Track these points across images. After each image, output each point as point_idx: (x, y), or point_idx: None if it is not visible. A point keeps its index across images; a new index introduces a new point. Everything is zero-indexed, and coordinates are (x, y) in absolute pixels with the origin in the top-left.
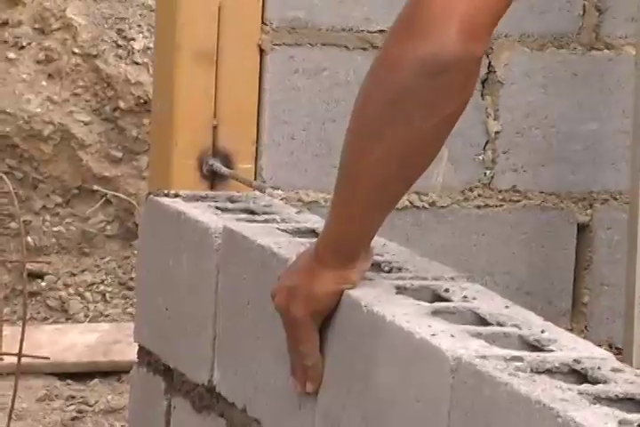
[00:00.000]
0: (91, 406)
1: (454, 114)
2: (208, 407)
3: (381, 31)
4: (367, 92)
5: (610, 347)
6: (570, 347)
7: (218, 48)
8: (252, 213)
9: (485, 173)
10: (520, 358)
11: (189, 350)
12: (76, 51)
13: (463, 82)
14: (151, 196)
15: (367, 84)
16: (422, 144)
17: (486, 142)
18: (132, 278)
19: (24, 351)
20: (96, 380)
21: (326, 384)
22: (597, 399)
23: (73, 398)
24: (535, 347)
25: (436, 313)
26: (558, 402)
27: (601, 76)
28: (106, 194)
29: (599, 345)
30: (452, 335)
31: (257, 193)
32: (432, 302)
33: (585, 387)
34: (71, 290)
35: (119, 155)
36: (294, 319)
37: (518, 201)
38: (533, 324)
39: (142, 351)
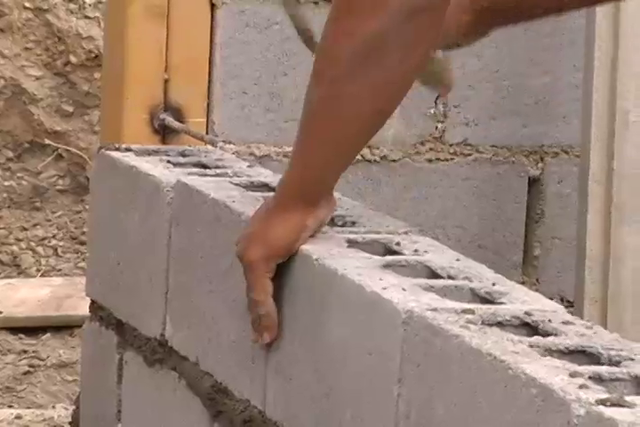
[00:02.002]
0: (43, 360)
1: (426, 56)
2: (160, 361)
3: None
4: (335, 38)
5: (561, 300)
6: (521, 300)
7: (169, 2)
8: (204, 167)
9: (437, 127)
10: (471, 311)
11: (141, 305)
12: (27, 5)
13: (437, 22)
14: (102, 150)
15: (334, 30)
16: (393, 87)
17: (437, 96)
18: (83, 233)
19: None
20: (48, 334)
21: (279, 338)
22: (548, 352)
23: (25, 352)
24: (486, 300)
25: (387, 267)
26: (509, 354)
27: (553, 30)
28: (57, 148)
29: (550, 298)
30: (404, 289)
31: (209, 147)
32: (384, 255)
33: (536, 339)
34: (23, 244)
35: (70, 109)
36: (248, 265)
37: (469, 155)
38: (485, 277)
39: (94, 306)
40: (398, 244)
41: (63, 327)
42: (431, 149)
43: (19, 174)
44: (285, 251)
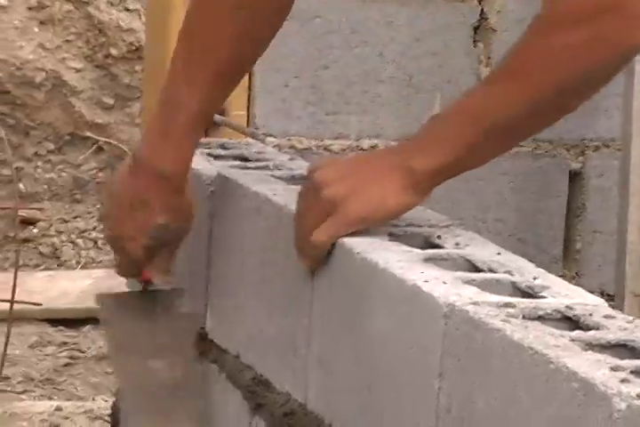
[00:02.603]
0: (83, 352)
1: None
2: (201, 354)
3: None
4: (568, 58)
5: (601, 294)
6: (562, 294)
7: None
8: (245, 160)
9: None
10: (512, 305)
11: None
12: None
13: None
14: None
15: (566, 49)
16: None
17: None
18: None
19: (16, 298)
20: (88, 326)
21: (320, 330)
22: (590, 346)
23: (65, 344)
24: (528, 294)
25: (428, 260)
26: (551, 348)
27: None
28: (98, 141)
29: (591, 292)
30: (445, 282)
31: (250, 140)
32: (425, 249)
33: (577, 334)
34: (63, 237)
35: (111, 102)
36: (335, 206)
37: None
38: (526, 270)
39: None
40: (439, 237)
41: None
42: None
43: (59, 167)
44: (389, 221)
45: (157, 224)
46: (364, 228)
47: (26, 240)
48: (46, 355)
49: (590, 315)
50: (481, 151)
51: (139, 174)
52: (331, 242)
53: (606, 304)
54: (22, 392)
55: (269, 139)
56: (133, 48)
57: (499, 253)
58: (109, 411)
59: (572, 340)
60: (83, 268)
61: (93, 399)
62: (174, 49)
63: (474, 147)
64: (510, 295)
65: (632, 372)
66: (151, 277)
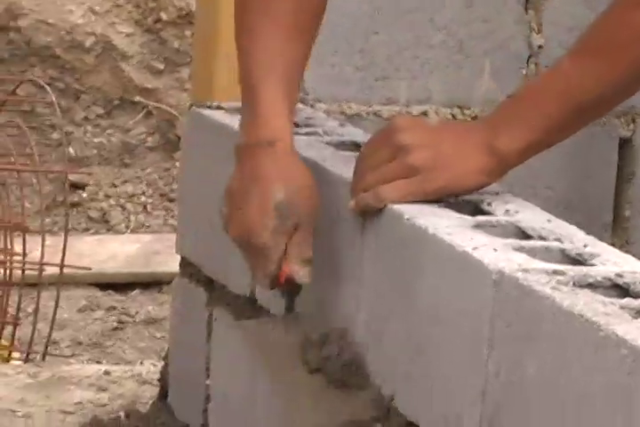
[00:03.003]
0: (131, 316)
1: None
2: (249, 319)
3: None
4: None
5: None
6: (612, 261)
7: None
8: (295, 125)
9: None
10: (562, 272)
11: (231, 262)
12: None
13: None
14: (193, 107)
15: None
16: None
17: (529, 56)
18: (172, 190)
19: (65, 262)
20: (137, 290)
21: (368, 296)
22: (639, 313)
23: (114, 308)
24: (577, 261)
25: (478, 226)
26: (601, 316)
27: None
28: (147, 105)
29: None
30: (495, 249)
31: (300, 105)
32: (475, 215)
33: (627, 301)
34: (112, 201)
35: (161, 66)
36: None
37: None
38: (576, 238)
39: (184, 262)
40: (489, 204)
41: (152, 284)
42: None
43: (108, 131)
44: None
45: (277, 199)
46: (437, 197)
47: (75, 204)
48: (95, 319)
49: None
50: (565, 130)
51: (243, 160)
52: (400, 201)
53: None
54: (71, 356)
55: (319, 104)
56: (184, 13)
57: (549, 221)
58: (158, 375)
59: (622, 307)
60: (132, 232)
61: (141, 364)
62: (241, 22)
63: (559, 127)
64: (560, 263)
65: None
66: (290, 272)
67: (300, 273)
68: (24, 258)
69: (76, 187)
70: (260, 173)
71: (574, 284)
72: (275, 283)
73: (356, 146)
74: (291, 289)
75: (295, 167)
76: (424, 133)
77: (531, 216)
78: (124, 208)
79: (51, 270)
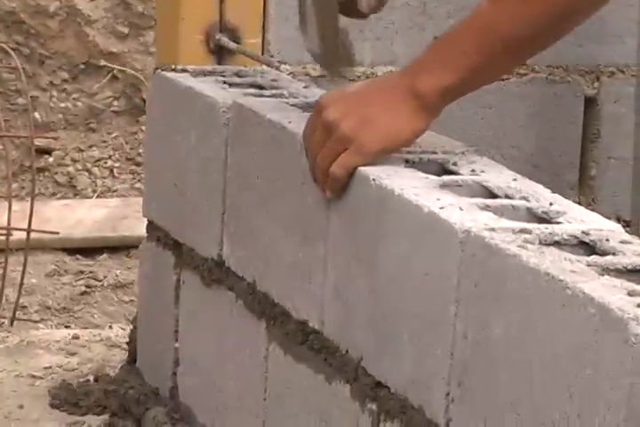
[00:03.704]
0: (100, 280)
1: None
2: (217, 281)
3: None
4: None
5: (617, 220)
6: (578, 219)
7: None
8: (260, 87)
9: None
10: (529, 231)
11: (198, 225)
12: None
13: None
14: (158, 71)
15: None
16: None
17: None
18: (139, 154)
19: (33, 227)
20: (105, 255)
21: (335, 258)
22: (606, 271)
23: (82, 273)
24: (543, 219)
25: (444, 186)
26: (567, 274)
27: None
28: (113, 69)
29: (607, 218)
30: (461, 208)
31: (264, 68)
32: (441, 175)
33: (593, 259)
34: (79, 166)
35: (125, 30)
36: (359, 148)
37: (525, 74)
38: (542, 196)
39: (151, 226)
40: (455, 164)
41: (120, 248)
42: None
43: (74, 96)
44: (404, 147)
45: None
46: (381, 157)
47: (41, 169)
48: (63, 284)
49: (607, 240)
50: (486, 71)
51: None
52: (348, 173)
53: (622, 229)
54: (39, 321)
55: (284, 66)
56: None
57: (514, 180)
58: (126, 339)
59: (589, 265)
60: (99, 196)
61: (110, 327)
62: None
63: (480, 66)
64: (526, 221)
65: None
66: None
67: None
68: None
69: (43, 152)
70: None
71: (541, 242)
72: None
73: None
74: None
75: None
76: (347, 102)
77: (496, 175)
78: (90, 173)
79: (18, 235)
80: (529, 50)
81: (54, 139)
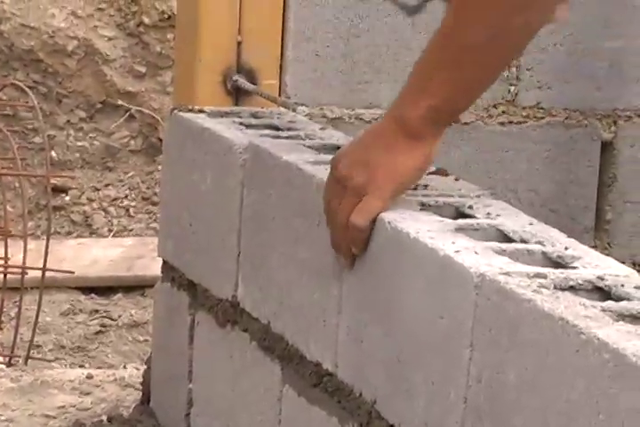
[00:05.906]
0: (114, 320)
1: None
2: (232, 322)
3: None
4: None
5: (633, 264)
6: (593, 264)
7: None
8: (277, 129)
9: (509, 90)
10: (544, 275)
11: (214, 266)
12: None
13: None
14: (175, 111)
15: None
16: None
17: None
18: (155, 193)
19: (48, 266)
20: (119, 294)
21: (350, 300)
22: (621, 317)
23: (96, 312)
24: (559, 264)
25: (459, 230)
26: (582, 319)
27: None
28: (130, 109)
29: (622, 262)
30: (476, 252)
31: (281, 109)
32: (456, 219)
33: (608, 304)
34: (95, 205)
35: (143, 70)
36: (363, 189)
37: (542, 118)
38: (557, 241)
39: (166, 266)
40: (471, 207)
41: (135, 287)
42: (504, 113)
43: (91, 135)
44: (414, 181)
45: None
46: (395, 197)
47: (57, 208)
48: (77, 323)
49: (622, 285)
50: (461, 86)
51: None
52: (367, 221)
53: (637, 275)
54: (53, 360)
55: (301, 108)
56: (165, 16)
57: (530, 224)
58: (140, 379)
59: (603, 310)
60: (114, 236)
61: (124, 367)
62: None
63: (452, 80)
64: (541, 266)
65: None
66: None
67: None
68: (6, 262)
69: (59, 191)
70: None
71: (555, 287)
72: None
73: (337, 149)
74: None
75: None
76: (354, 153)
77: (512, 219)
78: (106, 212)
79: (33, 274)
80: (490, 57)
81: (71, 178)
